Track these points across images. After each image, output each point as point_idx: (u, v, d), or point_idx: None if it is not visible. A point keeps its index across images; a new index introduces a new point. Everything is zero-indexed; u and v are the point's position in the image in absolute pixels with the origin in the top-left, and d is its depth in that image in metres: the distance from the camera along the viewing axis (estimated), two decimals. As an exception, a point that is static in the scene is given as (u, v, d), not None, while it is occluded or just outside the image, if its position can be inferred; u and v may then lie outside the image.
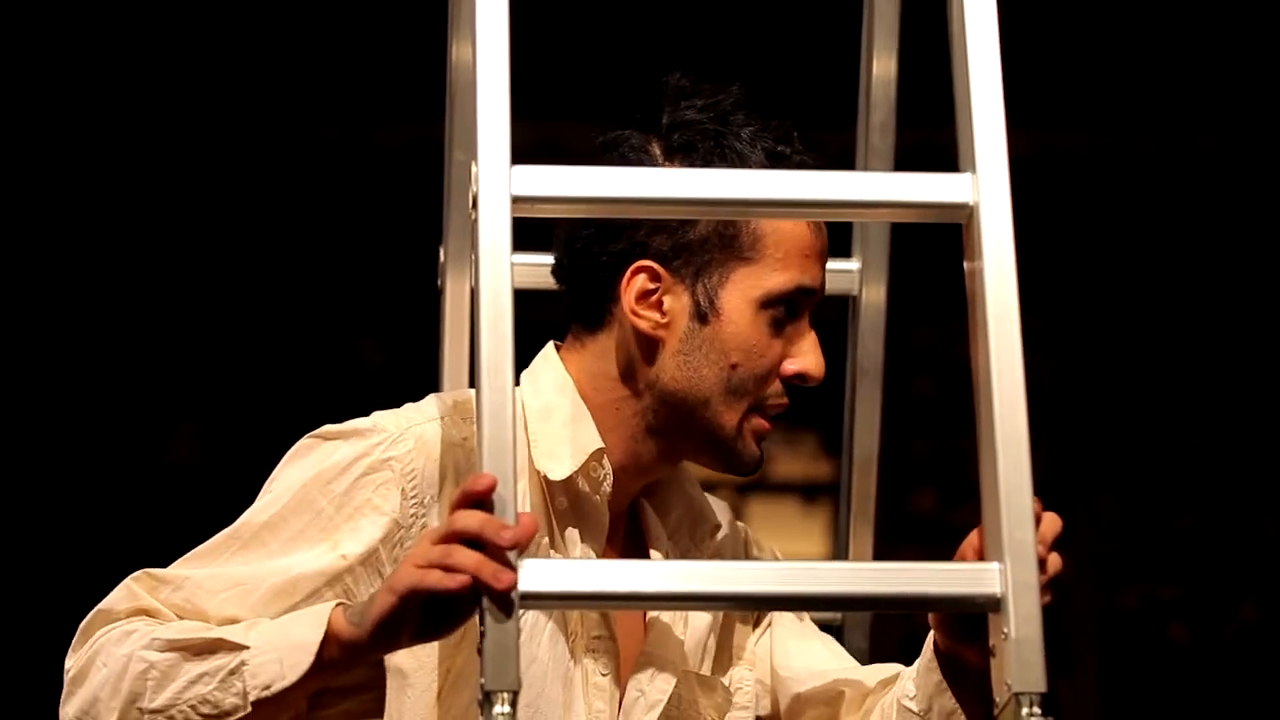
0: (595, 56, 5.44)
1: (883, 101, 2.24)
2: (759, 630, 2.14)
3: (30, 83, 5.53)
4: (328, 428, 1.97)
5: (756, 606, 1.89)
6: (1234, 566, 5.97)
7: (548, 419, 1.97)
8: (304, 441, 1.98)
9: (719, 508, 2.13)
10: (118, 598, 1.89)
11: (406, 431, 1.93)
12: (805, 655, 2.12)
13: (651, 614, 2.01)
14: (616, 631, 1.98)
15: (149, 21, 5.44)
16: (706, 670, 2.06)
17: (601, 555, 1.97)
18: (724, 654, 2.10)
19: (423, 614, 1.66)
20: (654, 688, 1.99)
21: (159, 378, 5.79)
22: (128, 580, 1.90)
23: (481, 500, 1.62)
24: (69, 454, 5.73)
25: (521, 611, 1.62)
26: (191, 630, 1.83)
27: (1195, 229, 5.94)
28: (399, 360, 5.64)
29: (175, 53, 5.55)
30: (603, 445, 1.96)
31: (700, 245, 1.94)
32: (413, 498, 1.90)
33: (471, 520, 1.62)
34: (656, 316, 1.95)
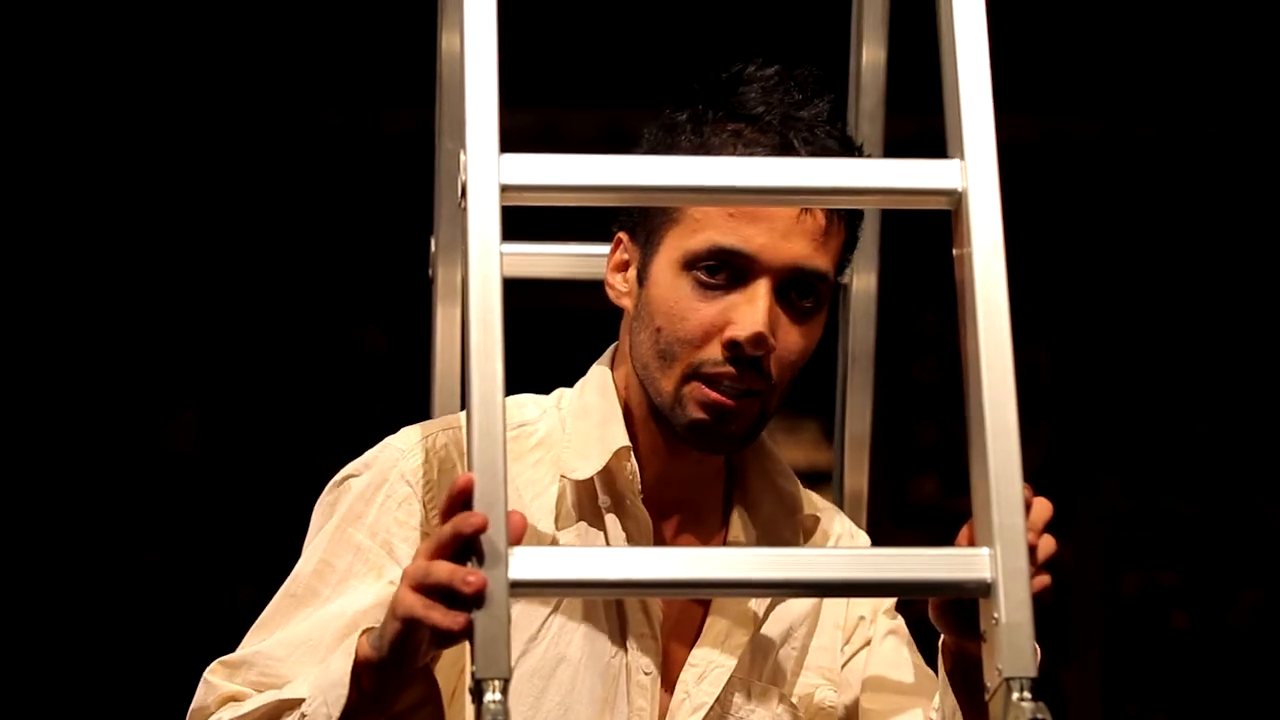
0: (594, 44, 5.45)
1: (872, 89, 2.24)
2: (851, 650, 2.09)
3: (32, 65, 5.53)
4: (345, 468, 2.01)
5: (745, 592, 1.88)
6: (1237, 552, 5.98)
7: (584, 418, 1.99)
8: (328, 488, 2.01)
9: (827, 511, 2.10)
10: (200, 696, 1.93)
11: (415, 445, 1.97)
12: (895, 690, 2.06)
13: (711, 616, 2.00)
14: (663, 630, 1.97)
15: (152, 5, 5.45)
16: (781, 681, 2.03)
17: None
18: (800, 669, 2.05)
19: (431, 634, 1.66)
20: (700, 690, 1.98)
21: (161, 365, 5.80)
22: (205, 675, 1.94)
23: (466, 499, 1.62)
24: (71, 441, 5.74)
25: (513, 600, 1.62)
26: (259, 701, 1.87)
27: (1197, 215, 5.94)
28: (402, 348, 5.64)
29: (177, 37, 5.56)
30: (628, 444, 1.96)
31: (647, 212, 1.94)
32: (432, 507, 1.93)
33: (445, 528, 1.63)
34: (621, 286, 1.98)
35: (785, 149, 1.89)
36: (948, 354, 5.76)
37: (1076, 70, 5.73)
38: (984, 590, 1.66)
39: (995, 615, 1.65)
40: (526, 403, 2.04)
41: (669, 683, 1.98)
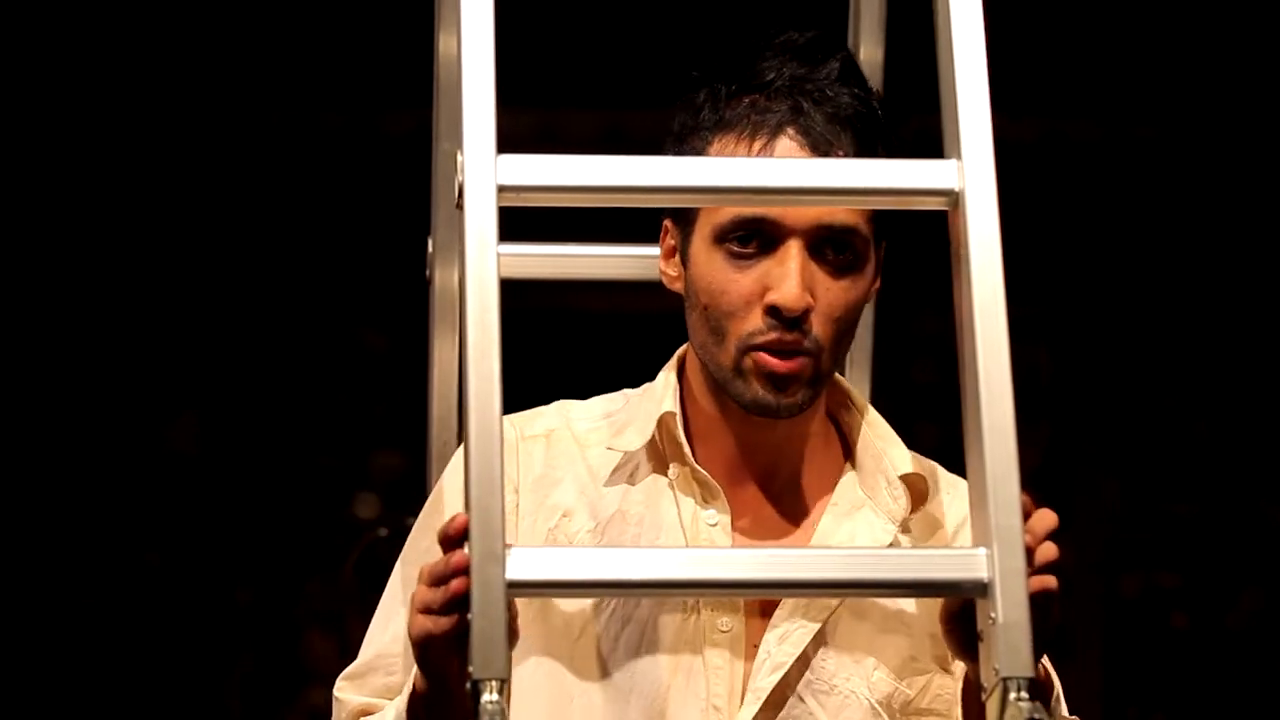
0: (593, 45, 5.45)
1: (869, 89, 2.25)
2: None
3: (33, 66, 5.54)
4: None
5: (744, 593, 1.89)
6: (1237, 554, 5.98)
7: (648, 398, 2.03)
8: None
9: (933, 472, 2.08)
10: (335, 715, 2.02)
11: None
12: None
13: None
14: None
15: (152, 6, 5.45)
16: (886, 655, 2.01)
17: (735, 519, 1.99)
18: (915, 651, 2.02)
19: (453, 644, 1.70)
20: (781, 650, 1.96)
21: (162, 366, 5.80)
22: (334, 692, 2.01)
23: (462, 537, 1.66)
24: (70, 443, 5.74)
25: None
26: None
27: (1197, 216, 5.94)
28: (402, 349, 5.65)
29: (176, 38, 5.56)
30: (672, 411, 1.99)
31: None
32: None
33: (439, 563, 1.70)
34: (672, 271, 2.01)
35: (795, 113, 1.91)
36: (947, 355, 5.75)
37: (1076, 71, 5.73)
38: (981, 590, 1.66)
39: (992, 615, 1.65)
40: (617, 397, 2.09)
41: (754, 643, 1.98)
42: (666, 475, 2.00)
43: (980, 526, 1.67)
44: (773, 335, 1.91)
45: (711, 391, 1.99)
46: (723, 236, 1.92)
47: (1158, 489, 6.02)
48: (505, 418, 2.03)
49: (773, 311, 1.91)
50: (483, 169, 1.68)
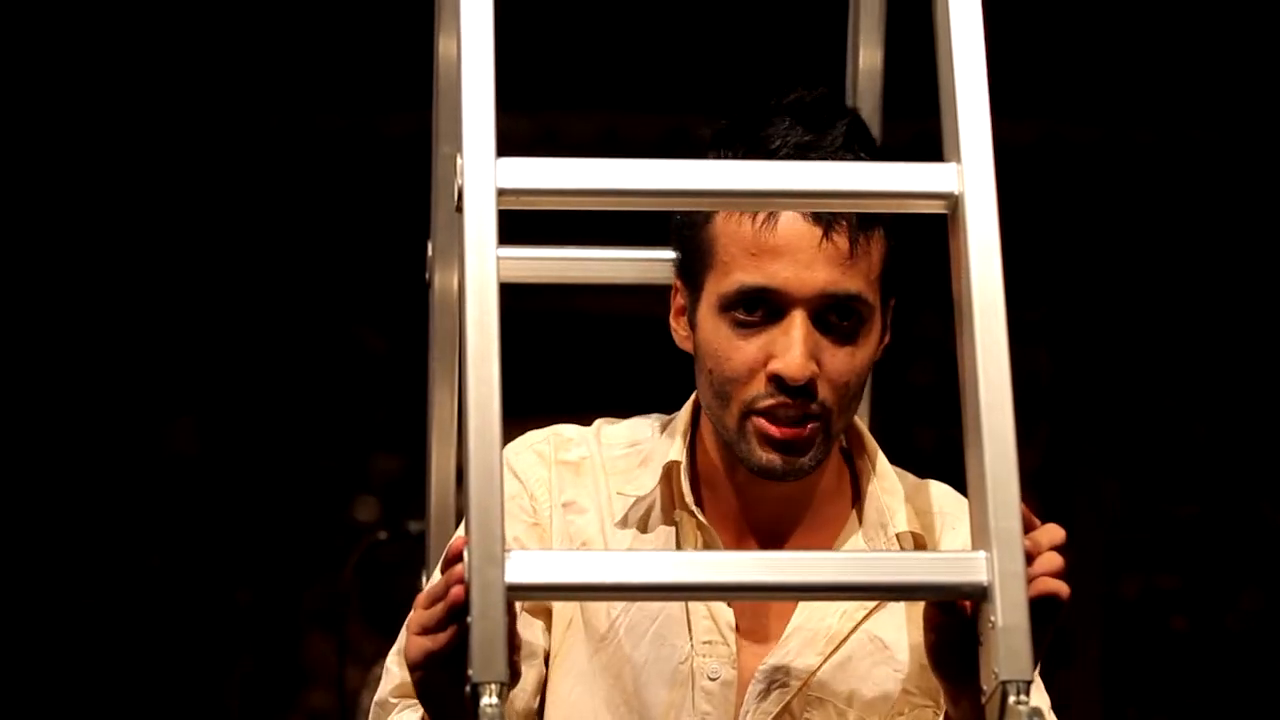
0: (592, 47, 5.46)
1: (869, 93, 2.25)
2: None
3: (33, 69, 5.54)
4: None
5: (742, 596, 1.89)
6: (1237, 555, 5.98)
7: (669, 435, 2.05)
8: None
9: (932, 528, 2.07)
10: (382, 687, 2.04)
11: (525, 448, 2.07)
12: None
13: (790, 627, 2.01)
14: (743, 636, 1.99)
15: (152, 9, 5.45)
16: (873, 701, 2.01)
17: None
18: (903, 690, 2.02)
19: (452, 662, 1.70)
20: (760, 707, 1.99)
21: (163, 369, 5.80)
22: (387, 664, 2.04)
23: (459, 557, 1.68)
24: (73, 446, 5.74)
25: (515, 602, 1.63)
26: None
27: (1196, 219, 5.94)
28: (402, 351, 5.65)
29: (176, 41, 5.56)
30: (678, 460, 2.00)
31: (690, 258, 1.98)
32: (543, 494, 2.04)
33: (438, 583, 1.72)
34: (682, 331, 2.02)
35: None
36: (945, 357, 5.75)
37: (1075, 74, 5.73)
38: (980, 593, 1.66)
39: (992, 619, 1.64)
40: (644, 426, 2.10)
41: (744, 689, 1.99)
42: (674, 520, 2.02)
43: (980, 530, 1.67)
44: (775, 401, 1.92)
45: (720, 446, 2.01)
46: (728, 305, 1.93)
47: (1157, 490, 6.02)
48: (543, 433, 2.07)
49: (776, 380, 1.92)
50: (482, 172, 1.67)
